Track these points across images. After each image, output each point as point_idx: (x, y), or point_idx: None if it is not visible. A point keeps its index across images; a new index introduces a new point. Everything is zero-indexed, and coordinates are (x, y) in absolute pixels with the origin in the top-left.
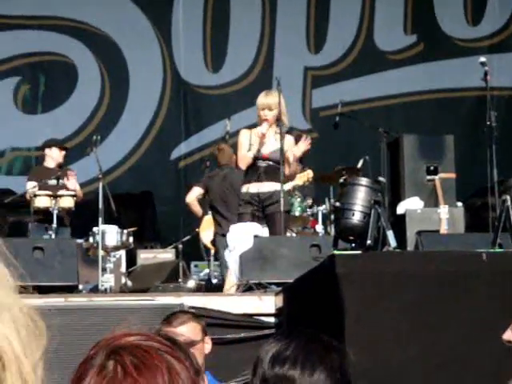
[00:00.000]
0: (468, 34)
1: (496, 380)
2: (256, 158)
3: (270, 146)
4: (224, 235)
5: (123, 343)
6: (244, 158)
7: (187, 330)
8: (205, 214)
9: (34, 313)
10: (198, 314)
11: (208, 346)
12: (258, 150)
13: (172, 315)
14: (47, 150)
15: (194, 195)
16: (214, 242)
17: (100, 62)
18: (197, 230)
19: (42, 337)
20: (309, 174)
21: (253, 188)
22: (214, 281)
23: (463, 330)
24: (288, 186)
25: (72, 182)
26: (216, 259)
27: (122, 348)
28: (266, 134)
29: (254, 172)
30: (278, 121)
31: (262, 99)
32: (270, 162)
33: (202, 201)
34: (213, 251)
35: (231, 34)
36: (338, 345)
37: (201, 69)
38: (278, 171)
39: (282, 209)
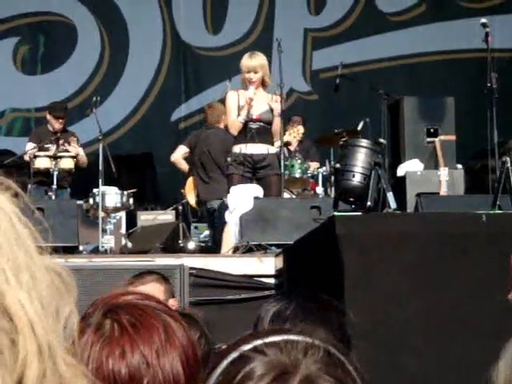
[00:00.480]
0: None
1: (496, 339)
2: (246, 120)
3: (260, 108)
4: (202, 201)
5: (120, 302)
6: (234, 124)
7: (148, 291)
8: (191, 173)
9: (61, 269)
10: (165, 276)
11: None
12: (248, 113)
13: (137, 275)
14: (47, 115)
15: (179, 154)
16: (199, 203)
17: (100, 23)
18: (182, 190)
19: (70, 292)
20: (299, 129)
21: (246, 149)
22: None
23: (463, 291)
24: (277, 144)
25: (73, 148)
26: (200, 221)
27: (118, 307)
28: (253, 98)
29: (244, 132)
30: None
31: (247, 61)
32: (262, 123)
33: (188, 159)
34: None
35: None
36: (338, 304)
37: (201, 30)
38: (269, 132)
39: (282, 170)
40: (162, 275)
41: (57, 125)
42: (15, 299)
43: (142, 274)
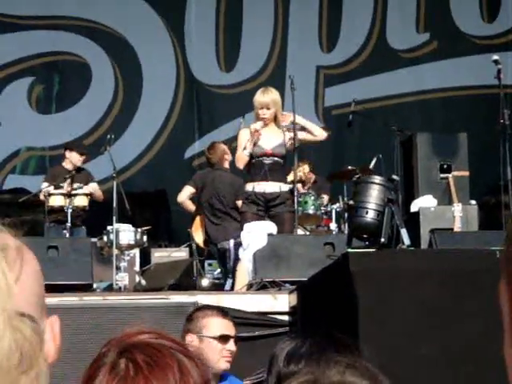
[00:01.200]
0: (483, 31)
1: None
2: (260, 155)
3: (273, 142)
4: (211, 242)
5: (135, 341)
6: (239, 158)
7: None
8: (197, 212)
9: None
10: (224, 310)
11: None
12: (257, 146)
13: (198, 309)
14: (67, 153)
15: (185, 194)
16: (206, 242)
17: (113, 62)
18: (189, 230)
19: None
20: (304, 168)
21: (258, 187)
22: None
23: (478, 328)
24: (288, 185)
25: (87, 186)
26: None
27: (133, 346)
28: (259, 129)
29: (258, 170)
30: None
31: (260, 97)
32: (275, 158)
33: (195, 199)
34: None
35: (244, 33)
36: (353, 342)
37: (214, 68)
38: (283, 168)
39: (295, 207)
40: (222, 309)
41: (79, 162)
42: None
43: (203, 308)
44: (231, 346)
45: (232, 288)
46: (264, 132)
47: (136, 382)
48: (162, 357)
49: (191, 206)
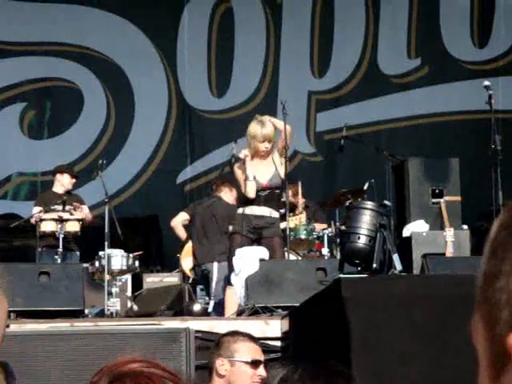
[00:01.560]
0: (474, 56)
1: None
2: (257, 190)
3: (268, 174)
4: (197, 265)
5: (126, 370)
6: (247, 188)
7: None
8: (188, 239)
9: None
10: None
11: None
12: (255, 180)
13: (230, 333)
14: (58, 176)
15: (179, 220)
16: (193, 270)
17: (105, 88)
18: (178, 255)
19: None
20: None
21: (248, 210)
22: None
23: (470, 353)
24: (278, 213)
25: (79, 212)
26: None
27: (124, 375)
28: (248, 154)
29: (254, 200)
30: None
31: (262, 130)
32: (271, 190)
33: (187, 226)
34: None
35: (236, 60)
36: (345, 369)
37: (206, 94)
38: (277, 197)
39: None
40: (251, 335)
41: (70, 185)
42: None
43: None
44: (262, 371)
45: (215, 309)
46: (259, 165)
47: None
48: None
49: (182, 232)
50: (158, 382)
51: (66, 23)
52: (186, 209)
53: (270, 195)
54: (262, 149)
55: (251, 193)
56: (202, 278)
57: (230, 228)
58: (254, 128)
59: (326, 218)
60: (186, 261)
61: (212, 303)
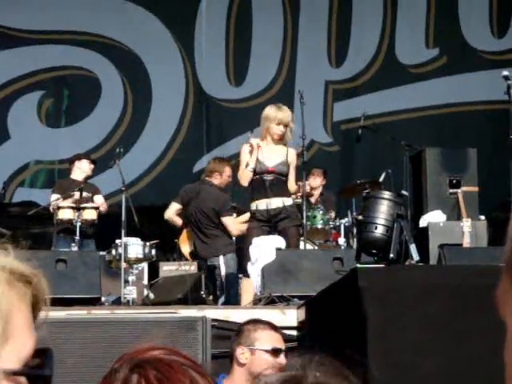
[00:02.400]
0: (493, 46)
1: None
2: (261, 172)
3: (276, 159)
4: (201, 258)
5: (147, 357)
6: (243, 175)
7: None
8: (185, 225)
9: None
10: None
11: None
12: (259, 162)
13: (252, 321)
14: (77, 162)
15: (171, 211)
16: (192, 255)
17: (123, 76)
18: (176, 240)
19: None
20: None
21: (261, 205)
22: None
23: (487, 344)
24: (292, 199)
25: (99, 198)
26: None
27: (145, 362)
28: (261, 145)
29: (260, 187)
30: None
31: (278, 113)
32: (276, 175)
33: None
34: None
35: (253, 49)
36: (361, 359)
37: (223, 82)
38: (285, 184)
39: (305, 221)
40: (272, 323)
41: (90, 170)
42: None
43: (257, 321)
44: (282, 359)
45: (227, 303)
46: (267, 148)
47: None
48: (174, 373)
49: (179, 222)
50: (178, 369)
51: (84, 12)
52: (176, 198)
53: (275, 181)
54: (276, 131)
55: (244, 180)
56: (209, 271)
57: (224, 220)
58: (270, 110)
59: (343, 207)
60: (185, 246)
61: (222, 299)
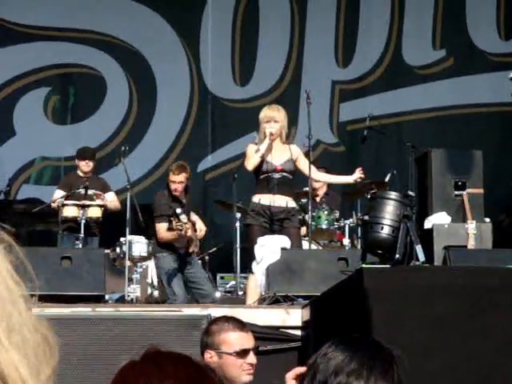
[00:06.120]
0: (500, 48)
1: None
2: (269, 171)
3: (281, 158)
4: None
5: (163, 351)
6: (251, 159)
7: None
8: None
9: (47, 329)
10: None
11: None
12: (266, 162)
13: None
14: (76, 160)
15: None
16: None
17: (128, 75)
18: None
19: (53, 355)
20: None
21: (265, 200)
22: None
23: (492, 344)
24: (296, 203)
25: (110, 196)
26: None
27: (162, 354)
28: (273, 133)
29: (266, 183)
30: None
31: (267, 111)
32: (284, 174)
33: None
34: None
35: (260, 48)
36: (397, 353)
37: (229, 82)
38: (291, 184)
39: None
40: (239, 321)
41: (84, 167)
42: (9, 360)
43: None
44: (251, 358)
45: None
46: (274, 149)
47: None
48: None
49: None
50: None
51: (89, 10)
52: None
53: (282, 179)
54: (267, 128)
55: (250, 164)
56: None
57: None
58: (262, 110)
59: (347, 207)
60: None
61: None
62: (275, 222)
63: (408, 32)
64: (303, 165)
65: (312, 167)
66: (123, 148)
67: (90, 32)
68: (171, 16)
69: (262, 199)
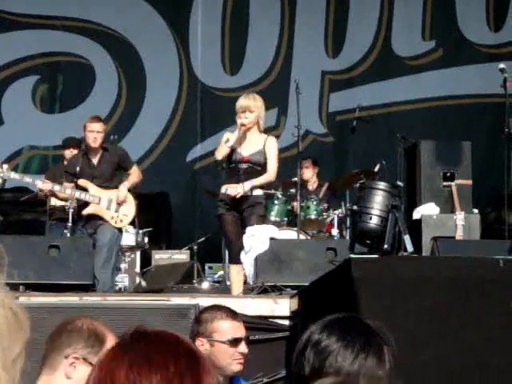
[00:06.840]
0: (489, 39)
1: None
2: (236, 162)
3: (251, 149)
4: None
5: (151, 329)
6: (220, 149)
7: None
8: None
9: (17, 307)
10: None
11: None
12: (235, 152)
13: (210, 308)
14: (62, 150)
15: None
16: None
17: (117, 64)
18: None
19: (22, 328)
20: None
21: (230, 190)
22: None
23: (480, 335)
24: (263, 191)
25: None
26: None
27: (150, 333)
28: (245, 124)
29: (233, 173)
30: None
31: (242, 101)
32: (250, 164)
33: None
34: None
35: (249, 37)
36: (388, 337)
37: (218, 71)
38: (259, 174)
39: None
40: (231, 310)
41: (68, 156)
42: None
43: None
44: (243, 348)
45: None
46: (246, 139)
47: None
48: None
49: None
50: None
51: None
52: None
53: (249, 170)
54: (242, 118)
55: (219, 154)
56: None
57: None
58: (238, 100)
59: (336, 198)
60: None
61: None
62: (239, 209)
63: (398, 23)
64: (270, 163)
65: (273, 164)
66: (112, 137)
67: (79, 20)
68: (160, 4)
69: (229, 189)
